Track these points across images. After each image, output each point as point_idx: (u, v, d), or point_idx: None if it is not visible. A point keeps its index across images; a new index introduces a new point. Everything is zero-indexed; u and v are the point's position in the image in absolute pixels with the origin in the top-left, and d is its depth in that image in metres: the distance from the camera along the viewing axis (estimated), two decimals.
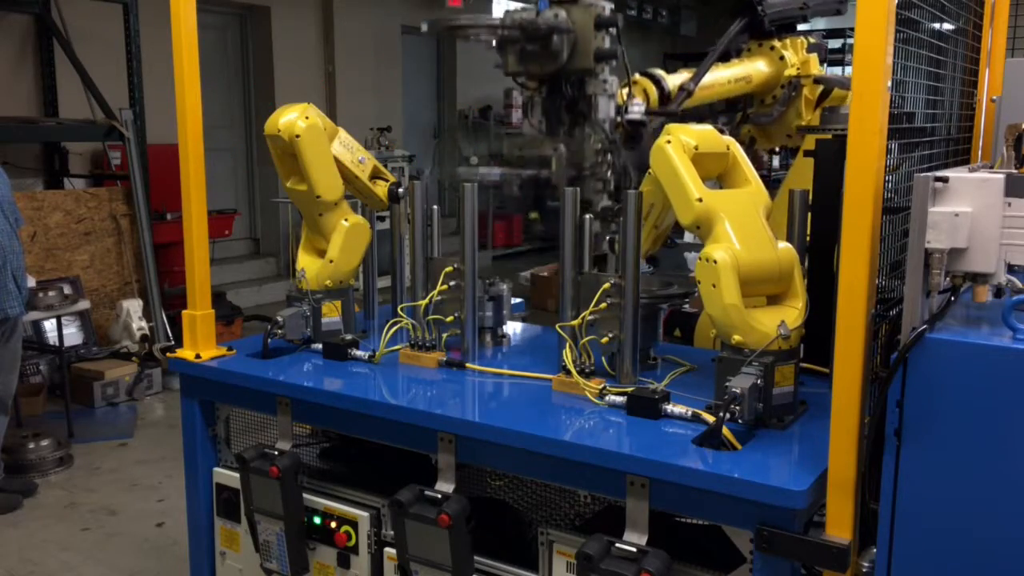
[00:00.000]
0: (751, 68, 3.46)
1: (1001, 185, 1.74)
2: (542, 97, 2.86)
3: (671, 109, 3.08)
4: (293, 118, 2.77)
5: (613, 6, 2.77)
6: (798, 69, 3.53)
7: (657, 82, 3.13)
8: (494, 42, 2.79)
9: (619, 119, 2.85)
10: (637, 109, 2.87)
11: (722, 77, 3.36)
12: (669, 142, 2.29)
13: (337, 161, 2.90)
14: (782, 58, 3.49)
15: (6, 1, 7.31)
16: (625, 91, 2.95)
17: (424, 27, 2.91)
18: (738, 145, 2.40)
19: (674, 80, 3.21)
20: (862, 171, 1.76)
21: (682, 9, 16.62)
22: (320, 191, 2.84)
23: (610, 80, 2.80)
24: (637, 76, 3.09)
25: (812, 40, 3.60)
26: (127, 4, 7.33)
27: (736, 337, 2.18)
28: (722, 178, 2.39)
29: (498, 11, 13.68)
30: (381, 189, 3.07)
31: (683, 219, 2.26)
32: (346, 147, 2.95)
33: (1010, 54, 3.16)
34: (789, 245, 2.31)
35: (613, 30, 2.72)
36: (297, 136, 2.76)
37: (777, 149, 3.99)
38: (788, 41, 3.52)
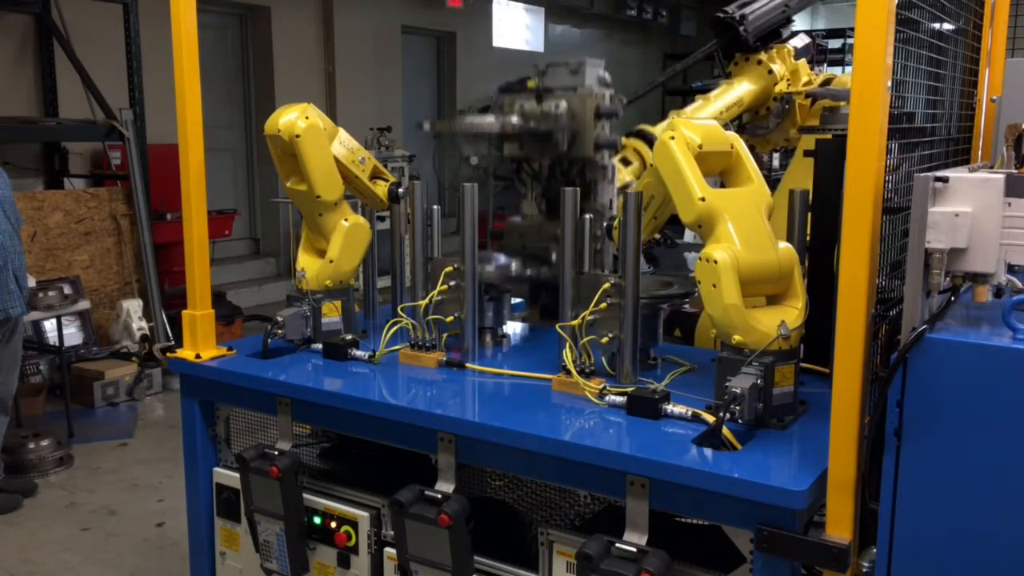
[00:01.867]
0: (741, 90, 3.34)
1: (1001, 185, 1.74)
2: (542, 182, 2.88)
3: None
4: (293, 118, 2.77)
5: (613, 91, 2.78)
6: (789, 81, 3.42)
7: (649, 140, 3.03)
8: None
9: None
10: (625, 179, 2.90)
11: (715, 110, 3.26)
12: (673, 138, 2.28)
13: (337, 161, 2.90)
14: (771, 71, 3.37)
15: (6, 1, 7.31)
16: (619, 158, 2.95)
17: (426, 126, 2.97)
18: (741, 142, 2.40)
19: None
20: (862, 171, 1.76)
21: (682, 9, 16.62)
22: (320, 191, 2.84)
23: (609, 165, 2.78)
24: (624, 140, 3.02)
25: (799, 43, 3.48)
26: (127, 4, 7.33)
27: (736, 337, 2.18)
28: (724, 175, 2.39)
29: (497, 13, 13.69)
30: (381, 189, 3.07)
31: (685, 217, 2.26)
32: (346, 147, 2.95)
33: (1010, 54, 3.16)
34: (789, 245, 2.31)
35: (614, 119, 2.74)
36: (297, 136, 2.76)
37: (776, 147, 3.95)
38: (775, 52, 3.40)
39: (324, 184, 2.84)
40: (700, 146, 2.27)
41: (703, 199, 2.21)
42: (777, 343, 2.15)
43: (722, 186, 2.37)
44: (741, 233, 2.19)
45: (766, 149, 3.74)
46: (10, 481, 4.93)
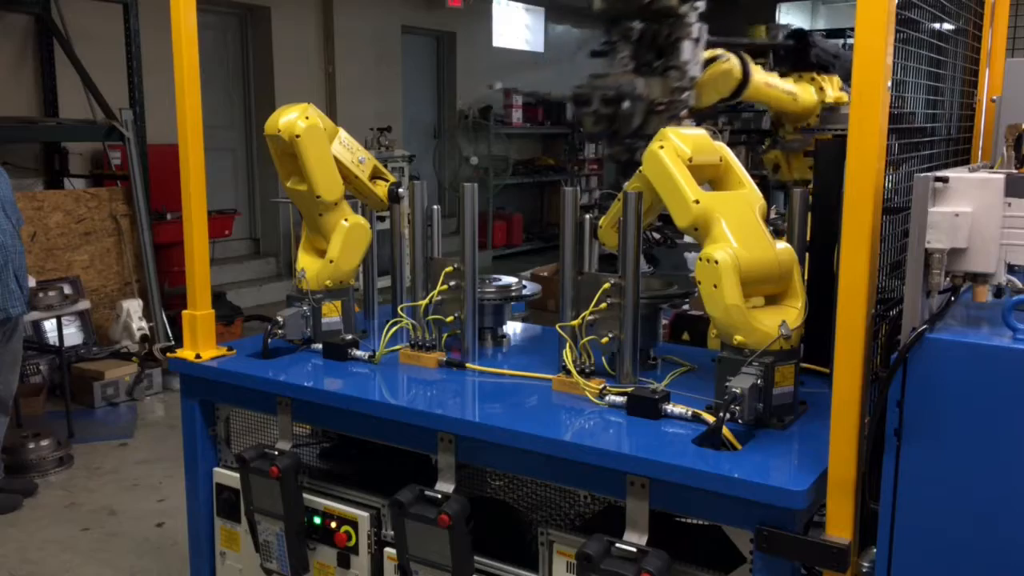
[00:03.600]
0: (802, 90, 3.65)
1: (1001, 185, 1.74)
2: (632, 38, 2.79)
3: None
4: (293, 118, 2.77)
5: None
6: (836, 100, 3.71)
7: (744, 62, 3.29)
8: None
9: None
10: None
11: (780, 84, 3.56)
12: (662, 147, 2.28)
13: (337, 161, 2.89)
14: (821, 89, 3.67)
15: (6, 1, 7.31)
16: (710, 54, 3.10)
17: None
18: (729, 151, 2.39)
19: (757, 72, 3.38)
20: (862, 171, 1.76)
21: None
22: (320, 191, 2.84)
23: (695, 26, 2.77)
24: (729, 53, 3.22)
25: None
26: (127, 4, 7.33)
27: (738, 337, 2.18)
28: (715, 183, 2.39)
29: (498, 13, 13.70)
30: (381, 189, 3.07)
31: (680, 222, 2.26)
32: (346, 147, 2.95)
33: (1010, 54, 3.16)
34: (788, 245, 2.31)
35: None
36: (297, 136, 2.76)
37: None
38: (828, 77, 3.70)
39: (324, 184, 2.84)
40: (691, 159, 2.27)
41: (697, 201, 2.21)
42: (779, 343, 2.15)
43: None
44: (737, 233, 2.19)
45: (789, 177, 3.89)
46: (10, 481, 4.93)
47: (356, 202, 3.12)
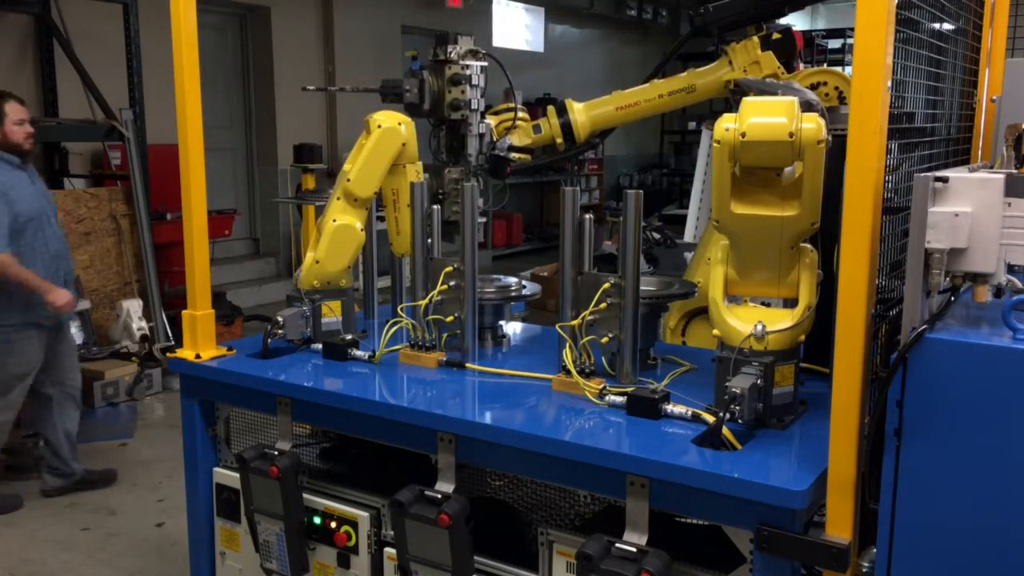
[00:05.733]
0: (696, 78, 3.30)
1: (1001, 185, 1.74)
2: (441, 133, 3.18)
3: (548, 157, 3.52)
4: (389, 118, 2.91)
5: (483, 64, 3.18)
6: (745, 71, 3.24)
7: (562, 112, 3.34)
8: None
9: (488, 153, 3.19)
10: (501, 144, 3.25)
11: (651, 92, 3.30)
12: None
13: (392, 178, 2.98)
14: (730, 62, 3.25)
15: (6, 1, 7.31)
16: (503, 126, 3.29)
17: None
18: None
19: (591, 111, 3.35)
20: (862, 171, 1.76)
21: (682, 9, 16.62)
22: (353, 176, 2.89)
23: (475, 123, 3.12)
24: (524, 114, 3.36)
25: (777, 35, 3.24)
26: (127, 4, 7.32)
27: (715, 331, 2.23)
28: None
29: (497, 13, 13.70)
30: (404, 240, 3.11)
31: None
32: (413, 179, 3.02)
33: (1010, 54, 3.16)
34: (807, 246, 2.24)
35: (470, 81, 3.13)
36: (379, 126, 2.88)
37: None
38: (736, 44, 3.25)
39: (362, 174, 2.89)
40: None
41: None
42: (748, 342, 2.14)
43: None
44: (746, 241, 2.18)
45: None
46: (10, 481, 4.93)
47: (371, 212, 3.11)
